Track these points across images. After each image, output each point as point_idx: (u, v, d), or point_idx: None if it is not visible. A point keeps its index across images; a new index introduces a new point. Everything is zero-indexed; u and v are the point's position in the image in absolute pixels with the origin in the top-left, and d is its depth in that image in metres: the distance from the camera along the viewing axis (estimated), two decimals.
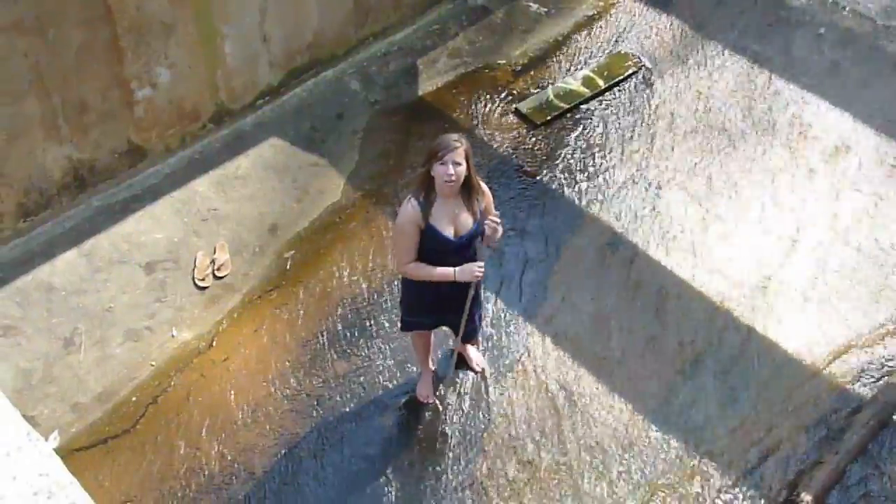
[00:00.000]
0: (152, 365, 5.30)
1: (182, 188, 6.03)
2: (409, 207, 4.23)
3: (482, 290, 4.79)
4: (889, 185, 6.27)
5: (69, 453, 4.91)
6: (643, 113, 6.72)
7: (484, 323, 5.11)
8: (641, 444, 5.05)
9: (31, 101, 5.23)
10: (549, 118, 6.65)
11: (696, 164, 6.39)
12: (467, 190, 4.26)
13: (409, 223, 4.24)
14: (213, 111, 6.20)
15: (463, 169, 4.13)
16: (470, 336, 5.00)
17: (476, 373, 5.30)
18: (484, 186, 4.40)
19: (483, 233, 4.30)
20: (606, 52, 7.15)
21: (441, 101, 6.75)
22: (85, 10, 5.16)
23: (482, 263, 4.32)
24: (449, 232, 4.27)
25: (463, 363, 5.30)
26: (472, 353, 5.33)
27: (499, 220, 4.31)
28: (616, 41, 7.24)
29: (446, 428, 5.10)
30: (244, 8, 5.94)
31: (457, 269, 4.29)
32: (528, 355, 5.39)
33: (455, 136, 4.18)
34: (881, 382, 5.27)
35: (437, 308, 4.65)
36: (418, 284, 4.46)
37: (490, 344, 5.42)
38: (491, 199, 4.47)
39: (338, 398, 5.19)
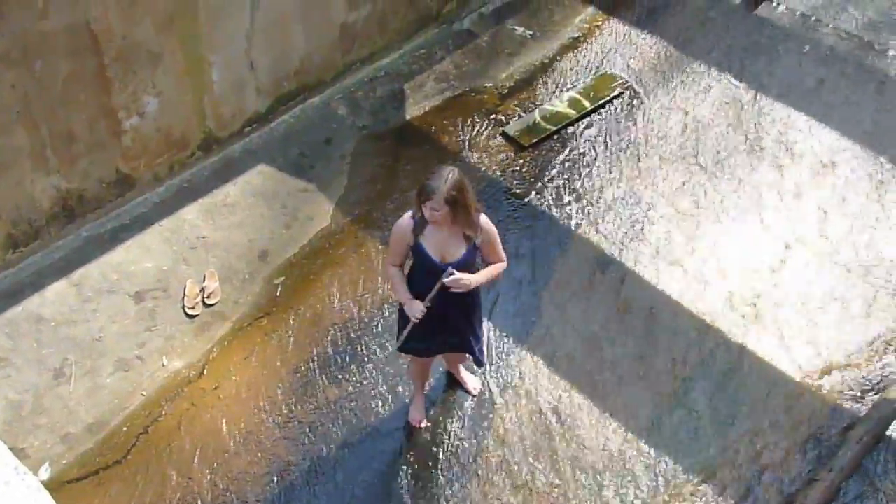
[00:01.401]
0: (143, 394, 5.27)
1: (171, 217, 6.03)
2: (404, 220, 4.32)
3: (479, 310, 4.74)
4: (876, 201, 6.29)
5: (60, 485, 4.88)
6: (630, 133, 6.75)
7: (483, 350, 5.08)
8: (635, 464, 5.04)
9: (18, 133, 5.22)
10: (536, 140, 6.67)
11: (683, 183, 6.41)
12: (460, 223, 4.23)
13: (397, 232, 4.36)
14: (201, 139, 6.21)
15: (442, 213, 4.11)
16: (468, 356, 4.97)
17: (472, 396, 5.29)
18: (484, 223, 4.34)
19: (448, 272, 4.23)
20: (592, 73, 7.19)
21: (428, 125, 6.77)
22: (72, 40, 5.17)
23: (423, 309, 4.30)
24: (437, 256, 4.29)
25: (457, 385, 5.31)
26: (466, 375, 5.31)
27: (461, 279, 4.23)
28: (601, 62, 7.28)
29: (440, 452, 5.07)
30: (231, 35, 5.96)
31: (408, 300, 4.34)
32: (521, 377, 5.38)
33: (442, 176, 4.11)
34: (874, 398, 5.27)
35: (427, 334, 4.57)
36: (401, 307, 4.50)
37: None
38: (493, 235, 4.39)
39: (330, 425, 5.16)
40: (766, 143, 6.66)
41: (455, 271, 4.23)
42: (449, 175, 4.13)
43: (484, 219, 4.35)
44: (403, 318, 4.56)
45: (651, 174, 6.47)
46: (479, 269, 4.43)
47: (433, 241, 4.28)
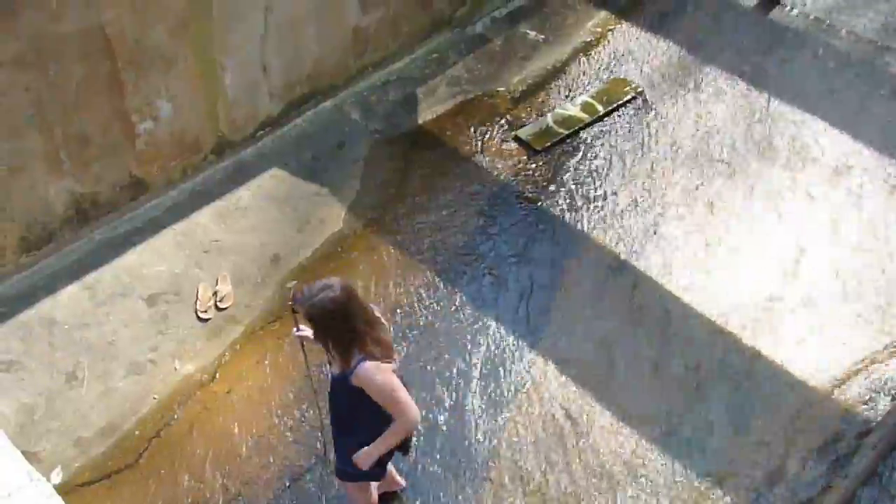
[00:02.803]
0: (155, 398, 5.28)
1: (184, 220, 6.04)
2: None
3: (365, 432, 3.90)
4: (890, 205, 6.26)
5: (73, 489, 4.88)
6: (643, 137, 6.73)
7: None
8: (648, 469, 5.01)
9: (32, 136, 5.24)
10: (548, 144, 6.67)
11: (696, 187, 6.39)
12: (328, 350, 3.69)
13: None
14: (213, 143, 6.22)
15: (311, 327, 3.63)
16: (339, 474, 4.25)
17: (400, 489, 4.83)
18: (362, 373, 3.56)
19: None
20: (605, 77, 7.18)
21: (441, 129, 6.77)
22: (85, 44, 5.18)
23: (294, 331, 4.22)
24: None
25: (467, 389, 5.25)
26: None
27: (358, 458, 3.86)
28: (614, 66, 7.27)
29: (452, 457, 5.06)
30: (243, 39, 5.97)
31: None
32: (533, 382, 5.37)
33: (312, 291, 3.53)
34: (888, 404, 5.24)
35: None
36: None
37: (494, 371, 5.40)
38: (373, 390, 3.60)
39: None
40: (778, 148, 6.64)
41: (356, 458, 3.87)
42: (320, 293, 3.48)
43: (364, 370, 3.58)
44: None
45: (664, 178, 6.45)
46: (359, 401, 3.74)
47: None
